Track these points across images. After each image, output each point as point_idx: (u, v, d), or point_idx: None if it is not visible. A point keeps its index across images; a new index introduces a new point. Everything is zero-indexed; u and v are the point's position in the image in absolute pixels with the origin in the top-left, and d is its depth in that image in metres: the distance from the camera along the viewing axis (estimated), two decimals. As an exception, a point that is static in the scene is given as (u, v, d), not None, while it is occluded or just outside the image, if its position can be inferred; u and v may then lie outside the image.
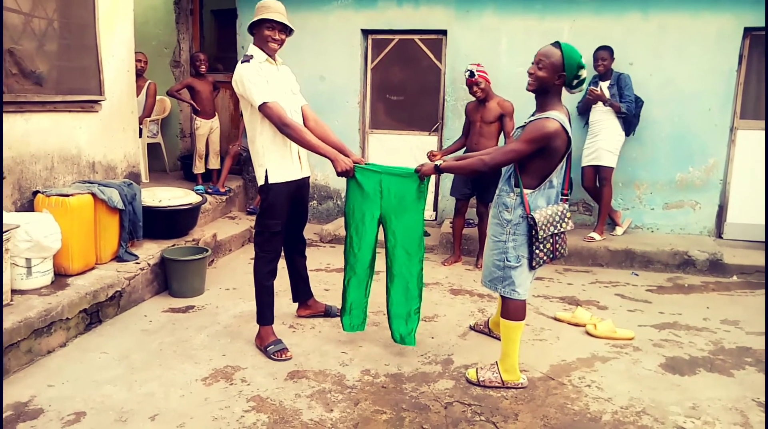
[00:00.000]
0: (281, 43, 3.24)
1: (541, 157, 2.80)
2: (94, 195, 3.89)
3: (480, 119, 4.83)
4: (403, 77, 6.28)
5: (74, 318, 3.45)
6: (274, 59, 3.25)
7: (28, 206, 3.80)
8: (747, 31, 5.34)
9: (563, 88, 2.83)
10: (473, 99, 4.94)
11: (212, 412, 2.74)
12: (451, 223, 5.38)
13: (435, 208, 6.30)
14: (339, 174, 3.20)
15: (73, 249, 3.71)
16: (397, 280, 3.30)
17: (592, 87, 5.25)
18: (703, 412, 2.83)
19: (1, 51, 3.55)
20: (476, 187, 4.92)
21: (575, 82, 2.77)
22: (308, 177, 3.50)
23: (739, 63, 5.42)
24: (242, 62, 3.15)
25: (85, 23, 4.25)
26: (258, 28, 3.19)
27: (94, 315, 3.62)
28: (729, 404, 2.91)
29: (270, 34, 3.19)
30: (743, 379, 3.17)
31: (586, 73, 2.79)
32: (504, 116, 4.80)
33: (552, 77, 2.78)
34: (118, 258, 4.08)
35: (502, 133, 4.89)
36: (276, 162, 3.24)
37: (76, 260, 3.75)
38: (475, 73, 4.67)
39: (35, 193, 3.80)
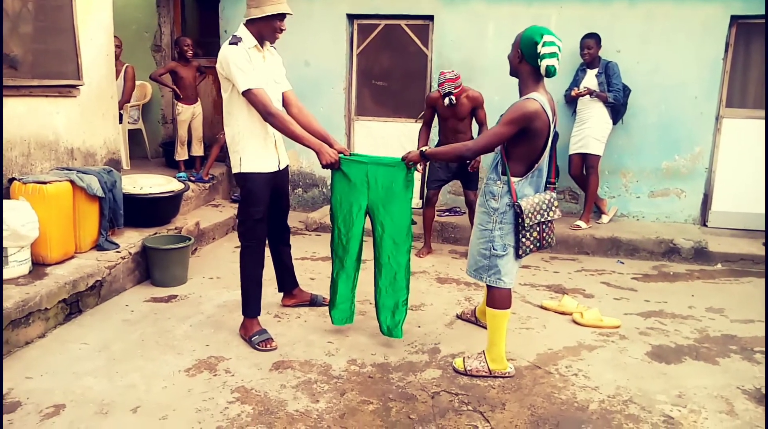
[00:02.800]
0: None
1: (524, 140, 2.77)
2: (72, 182, 3.79)
3: (452, 115, 4.72)
4: (389, 63, 6.20)
5: (53, 308, 3.37)
6: (261, 46, 3.15)
7: (4, 194, 3.69)
8: (734, 19, 5.33)
9: (540, 72, 2.76)
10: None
11: (195, 404, 2.69)
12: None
13: (421, 196, 6.25)
14: (324, 166, 3.14)
15: (52, 238, 3.62)
16: (384, 271, 3.26)
17: (575, 89, 5.23)
18: (690, 400, 2.84)
19: (1, 49, 3.43)
20: (458, 175, 4.88)
21: (538, 61, 2.70)
22: (287, 166, 3.43)
23: (726, 51, 5.42)
24: (230, 43, 3.02)
25: (61, 5, 4.11)
26: (263, 19, 3.03)
27: (73, 305, 3.54)
28: (714, 392, 2.92)
29: (280, 25, 3.07)
30: (728, 367, 3.19)
31: (551, 50, 2.67)
32: (476, 108, 4.72)
33: (515, 57, 2.82)
34: (98, 247, 3.99)
35: (474, 123, 4.83)
36: (250, 150, 3.16)
37: (55, 249, 3.66)
38: (454, 98, 4.51)
39: (11, 180, 3.69)
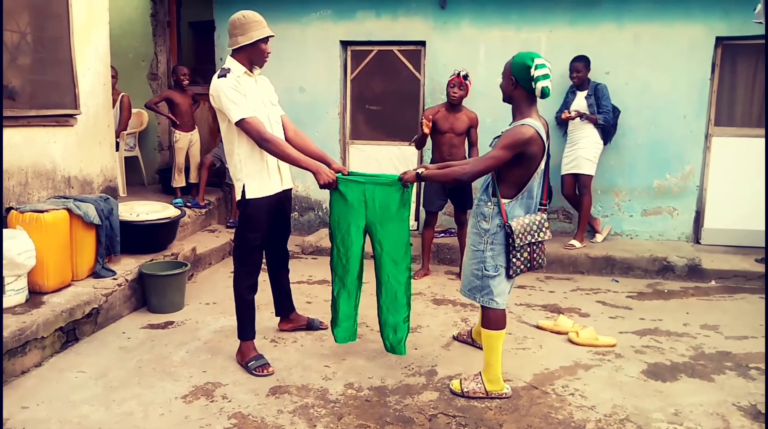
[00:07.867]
0: None
1: (518, 164, 2.82)
2: (69, 210, 3.82)
3: (451, 129, 4.83)
4: (382, 88, 6.29)
5: (50, 337, 3.37)
6: (252, 71, 3.23)
7: (1, 223, 3.71)
8: (719, 40, 5.45)
9: (533, 96, 2.82)
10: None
11: (193, 431, 2.69)
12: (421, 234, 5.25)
13: (417, 218, 6.30)
14: (322, 186, 3.18)
15: (49, 266, 3.64)
16: (385, 289, 3.29)
17: (565, 112, 5.31)
18: (686, 418, 2.84)
19: (1, 56, 3.48)
20: (452, 196, 4.93)
21: (533, 84, 2.76)
22: (290, 189, 3.47)
23: (712, 71, 5.52)
24: (219, 76, 3.11)
25: (59, 36, 4.19)
26: (252, 45, 3.13)
27: (70, 333, 3.54)
28: (710, 409, 2.93)
29: (266, 48, 3.18)
30: (724, 384, 3.20)
31: (544, 72, 2.74)
32: (472, 127, 4.86)
33: (507, 83, 2.88)
34: (95, 274, 4.01)
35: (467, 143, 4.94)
36: (253, 176, 3.21)
37: (52, 277, 3.67)
38: (468, 77, 4.70)
39: (8, 209, 3.71)
